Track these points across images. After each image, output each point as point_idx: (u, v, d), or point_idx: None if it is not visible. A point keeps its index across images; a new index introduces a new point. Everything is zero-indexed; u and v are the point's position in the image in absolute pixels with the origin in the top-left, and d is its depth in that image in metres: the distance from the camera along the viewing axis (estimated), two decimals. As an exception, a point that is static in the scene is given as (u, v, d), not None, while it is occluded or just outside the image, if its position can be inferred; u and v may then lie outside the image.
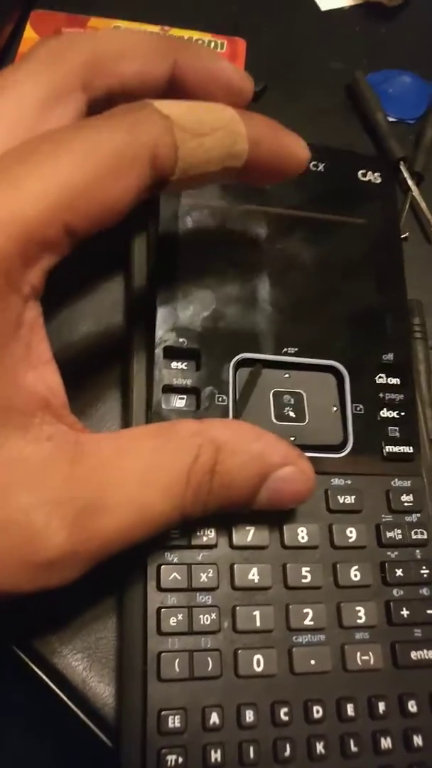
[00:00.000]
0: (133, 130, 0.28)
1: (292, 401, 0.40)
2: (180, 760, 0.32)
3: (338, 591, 0.37)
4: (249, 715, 0.33)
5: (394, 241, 0.48)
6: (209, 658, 0.34)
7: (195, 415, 0.38)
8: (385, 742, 0.35)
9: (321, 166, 0.48)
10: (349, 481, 0.39)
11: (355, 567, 0.38)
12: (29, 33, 0.61)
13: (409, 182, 0.58)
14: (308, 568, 0.37)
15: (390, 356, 0.43)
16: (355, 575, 0.37)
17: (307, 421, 0.40)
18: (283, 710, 0.34)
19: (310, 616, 0.36)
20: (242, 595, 0.36)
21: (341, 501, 0.39)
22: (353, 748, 0.34)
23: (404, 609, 0.37)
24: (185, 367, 0.39)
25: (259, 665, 0.34)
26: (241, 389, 0.39)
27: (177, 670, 0.33)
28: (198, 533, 0.36)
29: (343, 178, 0.48)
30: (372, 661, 0.36)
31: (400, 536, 0.39)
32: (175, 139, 0.29)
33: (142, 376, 0.40)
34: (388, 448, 0.41)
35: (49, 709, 0.37)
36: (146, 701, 0.33)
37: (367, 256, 0.47)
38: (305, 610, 0.36)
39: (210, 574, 0.35)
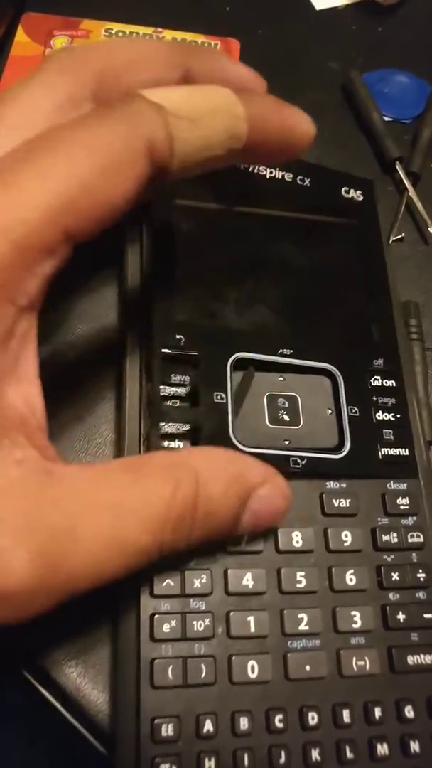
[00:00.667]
0: (127, 124, 0.28)
1: (287, 404, 0.40)
2: None
3: (334, 595, 0.37)
4: (243, 723, 0.33)
5: (377, 248, 0.48)
6: (203, 665, 0.33)
7: (193, 413, 0.37)
8: (382, 749, 0.34)
9: (307, 181, 0.48)
10: (344, 485, 0.39)
11: (351, 571, 0.37)
12: (21, 36, 0.60)
13: (406, 183, 0.58)
14: (303, 573, 0.36)
15: (380, 361, 0.43)
16: (351, 579, 0.37)
17: (301, 424, 0.40)
18: (278, 717, 0.34)
19: (305, 621, 0.36)
20: (236, 600, 0.35)
21: (336, 504, 0.38)
22: (349, 755, 0.34)
23: (400, 613, 0.37)
24: (183, 367, 0.39)
25: (253, 671, 0.34)
26: (234, 393, 0.39)
27: (170, 677, 0.33)
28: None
29: (327, 194, 0.49)
30: (368, 666, 0.36)
31: (396, 540, 0.38)
32: (170, 128, 0.29)
33: (135, 373, 0.39)
34: (384, 451, 0.40)
35: (43, 715, 0.37)
36: (139, 709, 0.32)
37: (352, 263, 0.47)
38: (300, 615, 0.36)
39: (203, 580, 0.35)
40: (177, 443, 0.36)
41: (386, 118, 0.63)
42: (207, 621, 0.34)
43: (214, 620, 0.34)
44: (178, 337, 0.39)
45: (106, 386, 0.44)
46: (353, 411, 0.41)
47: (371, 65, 0.67)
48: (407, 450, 0.41)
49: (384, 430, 0.41)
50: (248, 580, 0.35)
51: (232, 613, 0.35)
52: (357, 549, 0.38)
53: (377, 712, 0.35)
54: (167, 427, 0.36)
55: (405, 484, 0.40)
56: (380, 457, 0.40)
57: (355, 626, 0.36)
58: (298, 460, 0.39)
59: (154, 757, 0.32)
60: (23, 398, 0.28)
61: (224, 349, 0.40)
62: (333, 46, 0.68)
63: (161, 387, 0.38)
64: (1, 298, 0.26)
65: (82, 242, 0.28)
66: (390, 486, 0.40)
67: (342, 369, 0.42)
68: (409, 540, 0.39)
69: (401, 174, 0.59)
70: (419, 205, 0.57)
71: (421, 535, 0.39)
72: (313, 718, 0.34)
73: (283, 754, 0.33)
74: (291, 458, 0.38)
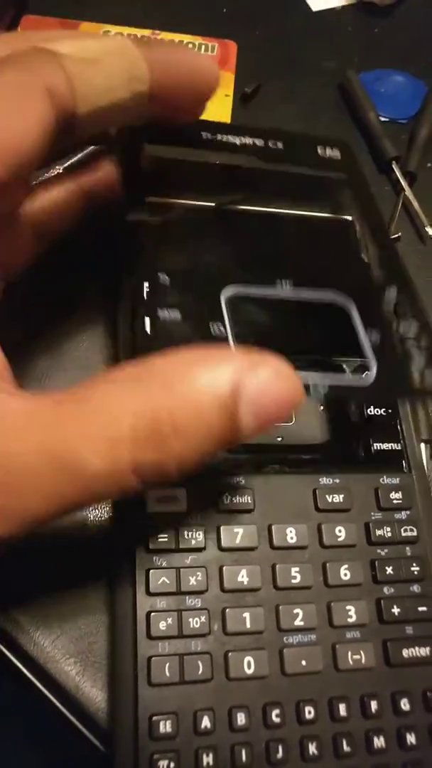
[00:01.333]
0: (23, 70, 0.29)
1: None
2: (172, 765, 0.32)
3: (328, 590, 0.37)
4: (241, 718, 0.33)
5: (370, 197, 0.49)
6: (200, 662, 0.34)
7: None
8: (379, 742, 0.35)
9: (279, 144, 0.48)
10: (337, 480, 0.39)
11: (345, 566, 0.37)
12: (16, 39, 0.61)
13: (402, 182, 0.58)
14: (297, 569, 0.37)
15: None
16: (345, 574, 0.37)
17: (293, 420, 0.40)
18: (275, 712, 0.34)
19: (301, 616, 0.36)
20: (232, 597, 0.35)
21: (330, 500, 0.39)
22: (346, 748, 0.34)
23: (395, 607, 0.37)
24: (175, 300, 0.40)
25: (250, 667, 0.34)
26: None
27: (167, 674, 0.33)
28: (186, 536, 0.36)
29: (304, 152, 0.50)
30: (364, 660, 0.36)
31: (389, 534, 0.39)
32: (67, 70, 0.29)
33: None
34: (376, 446, 0.41)
35: (42, 713, 0.37)
36: (137, 706, 0.33)
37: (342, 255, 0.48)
38: (295, 611, 0.36)
39: (199, 577, 0.35)
40: None
41: (382, 118, 0.63)
42: (203, 618, 0.34)
43: (210, 617, 0.35)
44: (162, 277, 0.40)
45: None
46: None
47: (368, 65, 0.67)
48: (399, 445, 0.41)
49: (375, 425, 0.41)
50: (243, 577, 0.36)
51: (227, 610, 0.35)
52: (351, 544, 0.38)
53: (374, 706, 0.35)
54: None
55: (398, 479, 0.40)
56: (372, 451, 0.41)
57: (350, 620, 0.37)
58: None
59: (153, 754, 0.32)
60: None
61: (216, 283, 0.41)
62: (329, 46, 0.69)
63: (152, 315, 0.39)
64: None
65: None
66: (383, 480, 0.40)
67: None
68: (403, 534, 0.39)
69: (398, 174, 0.59)
70: (416, 205, 0.58)
71: (415, 529, 0.39)
72: (309, 712, 0.34)
73: (280, 748, 0.33)
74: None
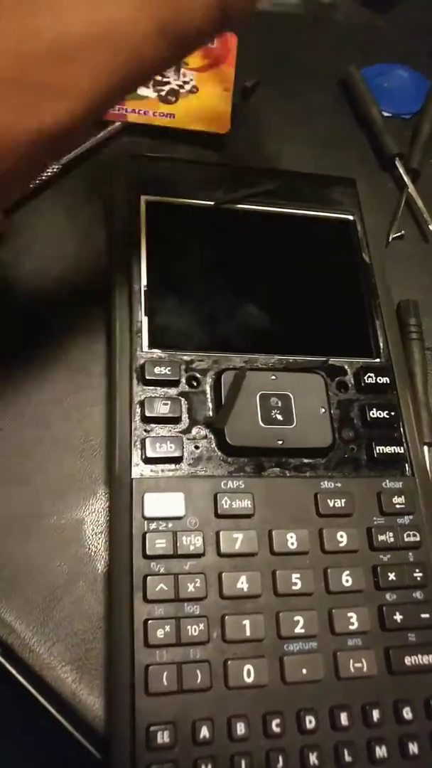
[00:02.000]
0: None
1: (280, 404, 0.40)
2: None
3: (330, 597, 0.36)
4: (240, 728, 0.33)
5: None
6: (198, 670, 0.33)
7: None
8: (380, 751, 0.34)
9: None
10: (339, 484, 0.39)
11: (347, 572, 0.37)
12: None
13: (405, 179, 0.57)
14: (298, 575, 0.36)
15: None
16: (347, 580, 0.37)
17: (295, 423, 0.39)
18: (275, 721, 0.33)
19: (301, 623, 0.35)
20: (231, 604, 0.35)
21: (331, 505, 0.38)
22: (348, 758, 0.34)
23: (397, 613, 0.37)
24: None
25: (249, 676, 0.34)
26: (226, 393, 0.39)
27: (165, 683, 0.32)
28: (184, 542, 0.35)
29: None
30: (365, 668, 0.35)
31: (392, 539, 0.38)
32: None
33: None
34: (379, 449, 0.40)
35: (39, 720, 0.37)
36: (134, 716, 0.32)
37: (341, 255, 0.48)
38: (296, 618, 0.35)
39: (198, 584, 0.34)
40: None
41: (385, 114, 0.62)
42: (202, 625, 0.34)
43: (209, 624, 0.34)
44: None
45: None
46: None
47: (370, 59, 0.66)
48: (402, 448, 0.41)
49: (379, 428, 0.41)
50: (243, 583, 0.35)
51: (227, 617, 0.34)
52: (353, 549, 0.38)
53: (375, 714, 0.35)
54: None
55: (400, 483, 0.40)
56: (375, 455, 0.40)
57: (352, 628, 0.36)
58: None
59: (150, 765, 0.31)
60: None
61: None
62: (331, 39, 0.68)
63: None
64: None
65: None
66: (385, 485, 0.39)
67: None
68: (406, 539, 0.38)
69: (401, 170, 0.58)
70: (419, 202, 0.57)
71: (418, 534, 0.39)
72: (310, 721, 0.34)
73: (280, 758, 0.33)
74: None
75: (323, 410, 0.40)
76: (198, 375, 0.40)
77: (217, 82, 0.58)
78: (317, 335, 0.44)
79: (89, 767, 0.36)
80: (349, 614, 0.36)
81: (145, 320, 0.40)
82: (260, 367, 0.41)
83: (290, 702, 0.34)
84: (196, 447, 0.38)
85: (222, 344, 0.42)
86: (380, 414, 0.41)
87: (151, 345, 0.40)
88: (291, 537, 0.37)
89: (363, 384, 0.42)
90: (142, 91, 0.55)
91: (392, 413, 0.41)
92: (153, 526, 0.35)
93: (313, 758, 0.33)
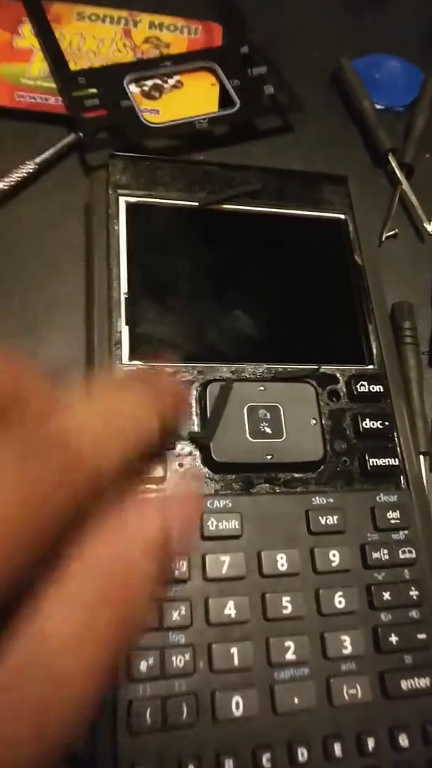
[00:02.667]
0: None
1: (269, 416, 0.38)
2: None
3: (322, 620, 0.35)
4: (229, 765, 0.31)
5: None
6: (184, 704, 0.31)
7: None
8: (376, 781, 0.33)
9: None
10: (331, 500, 0.37)
11: (340, 593, 0.35)
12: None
13: (399, 175, 0.55)
14: (289, 598, 0.35)
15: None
16: (340, 601, 0.35)
17: (284, 436, 0.38)
18: (266, 756, 0.32)
19: (292, 649, 0.34)
20: (218, 631, 0.33)
21: (323, 522, 0.36)
22: (342, 790, 0.32)
23: (393, 635, 0.35)
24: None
25: (238, 708, 0.32)
26: (211, 407, 0.37)
27: (148, 720, 0.31)
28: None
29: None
30: (360, 694, 0.34)
31: (387, 556, 0.37)
32: None
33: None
34: (372, 461, 0.39)
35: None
36: (117, 757, 0.30)
37: (332, 257, 0.46)
38: (287, 643, 0.34)
39: (182, 611, 0.33)
40: None
41: (378, 107, 0.60)
42: (187, 655, 0.32)
43: (195, 654, 0.32)
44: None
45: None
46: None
47: (362, 50, 0.64)
48: (396, 460, 0.39)
49: (372, 439, 0.39)
50: (230, 609, 0.34)
51: (214, 645, 0.33)
52: (346, 569, 0.36)
53: (371, 743, 0.33)
54: None
55: (395, 496, 0.38)
56: (368, 467, 0.38)
57: (346, 651, 0.34)
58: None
59: None
60: None
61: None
62: (321, 30, 0.66)
63: None
64: None
65: None
66: (379, 499, 0.38)
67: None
68: (401, 556, 0.37)
69: (394, 166, 0.56)
70: (413, 199, 0.54)
71: (413, 550, 0.37)
72: (302, 754, 0.32)
73: (271, 793, 0.31)
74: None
75: (314, 422, 0.39)
76: (182, 387, 0.38)
77: (204, 77, 0.56)
78: (307, 342, 0.42)
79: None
80: (343, 637, 0.35)
81: (125, 330, 0.39)
82: (248, 377, 0.39)
83: (281, 734, 0.32)
84: (180, 465, 0.36)
85: (207, 354, 0.40)
86: (374, 424, 0.39)
87: (132, 357, 0.38)
88: (281, 558, 0.35)
89: (355, 393, 0.40)
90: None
91: (386, 423, 0.40)
92: None
93: (305, 792, 0.32)
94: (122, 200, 0.43)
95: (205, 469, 0.37)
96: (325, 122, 0.59)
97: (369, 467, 0.38)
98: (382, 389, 0.41)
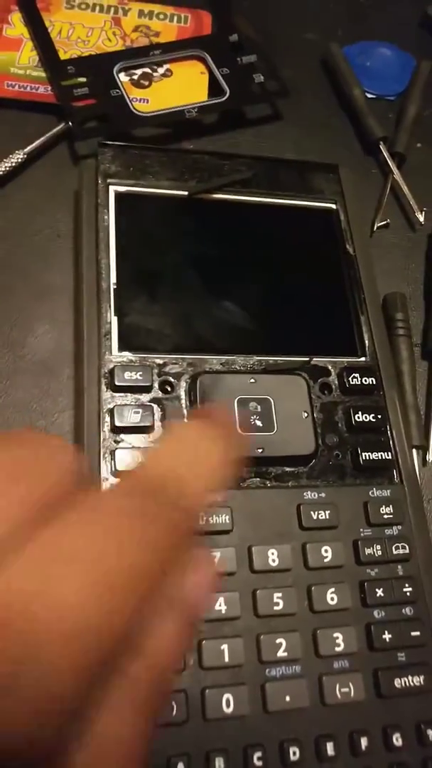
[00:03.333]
0: None
1: (259, 409, 0.37)
2: None
3: (314, 617, 0.34)
4: (219, 764, 0.30)
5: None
6: (173, 702, 0.31)
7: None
8: (369, 781, 0.32)
9: None
10: (323, 494, 0.36)
11: (332, 589, 0.35)
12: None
13: (390, 164, 0.54)
14: (280, 594, 0.34)
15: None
16: (332, 598, 0.35)
17: (275, 429, 0.37)
18: (257, 755, 0.31)
19: (284, 646, 0.33)
20: (208, 627, 0.33)
21: (315, 517, 0.36)
22: (334, 790, 0.32)
23: (386, 632, 0.35)
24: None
25: (228, 706, 0.31)
26: (202, 398, 0.37)
27: None
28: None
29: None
30: (352, 693, 0.33)
31: (380, 552, 0.36)
32: None
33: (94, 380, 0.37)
34: (365, 455, 0.38)
35: None
36: None
37: (323, 247, 0.45)
38: (278, 641, 0.33)
39: (172, 608, 0.32)
40: None
41: (369, 95, 0.58)
42: None
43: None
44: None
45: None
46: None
47: (352, 37, 0.63)
48: (389, 453, 0.38)
49: (365, 432, 0.39)
50: (221, 605, 0.33)
51: (204, 642, 0.32)
52: (338, 565, 0.35)
53: (363, 743, 0.32)
54: None
55: (388, 491, 0.37)
56: (361, 461, 0.38)
57: (338, 649, 0.34)
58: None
59: None
60: None
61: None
62: (311, 15, 0.65)
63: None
64: None
65: None
66: (372, 493, 0.37)
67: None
68: (394, 552, 0.36)
69: (385, 155, 0.55)
70: (405, 188, 0.53)
71: (407, 546, 0.36)
72: (294, 753, 0.31)
73: (262, 794, 0.31)
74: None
75: (305, 415, 0.38)
76: (172, 379, 0.37)
77: (193, 66, 0.56)
78: (299, 333, 0.42)
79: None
80: (335, 635, 0.34)
81: (114, 320, 0.38)
82: (238, 369, 0.38)
83: (273, 733, 0.32)
84: None
85: (197, 345, 0.39)
86: (366, 417, 0.39)
87: (121, 348, 0.38)
88: (272, 553, 0.34)
89: (347, 385, 0.39)
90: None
91: (379, 416, 0.39)
92: None
93: (297, 792, 0.31)
94: (111, 189, 0.42)
95: None
96: (315, 110, 0.58)
97: (361, 461, 0.38)
98: (374, 382, 0.40)
